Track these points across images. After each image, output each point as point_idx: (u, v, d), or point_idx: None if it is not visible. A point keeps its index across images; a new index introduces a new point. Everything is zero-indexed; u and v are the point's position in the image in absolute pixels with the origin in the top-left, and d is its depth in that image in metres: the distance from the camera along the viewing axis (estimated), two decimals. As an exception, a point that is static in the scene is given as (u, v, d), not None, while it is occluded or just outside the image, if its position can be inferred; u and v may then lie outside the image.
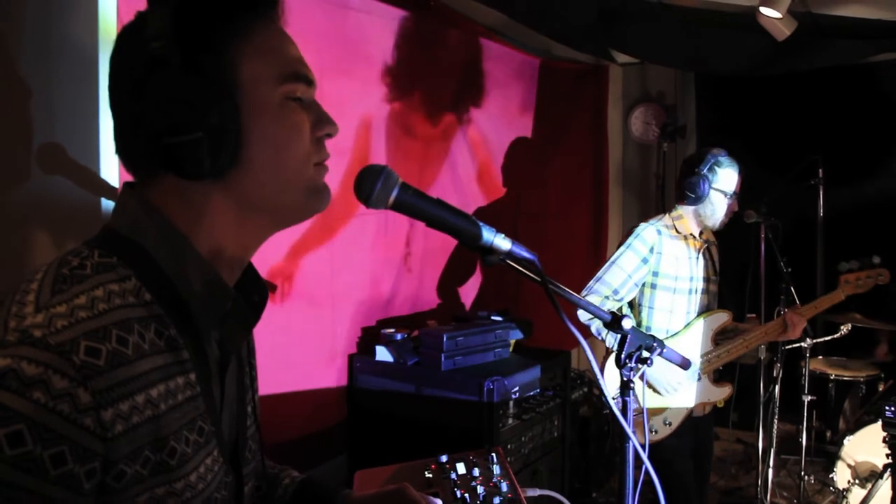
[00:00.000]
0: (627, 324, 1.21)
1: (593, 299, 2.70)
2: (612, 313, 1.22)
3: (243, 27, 0.86)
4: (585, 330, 2.74)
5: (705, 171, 2.80)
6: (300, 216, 0.94)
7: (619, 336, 1.22)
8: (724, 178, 2.82)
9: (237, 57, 0.85)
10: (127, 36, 0.86)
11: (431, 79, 3.73)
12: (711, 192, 2.81)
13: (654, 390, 2.79)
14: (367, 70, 3.27)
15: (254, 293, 0.98)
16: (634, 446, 1.23)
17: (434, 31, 3.72)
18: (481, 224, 1.00)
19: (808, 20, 3.92)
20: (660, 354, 1.26)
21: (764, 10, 3.46)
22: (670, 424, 2.82)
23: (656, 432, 2.81)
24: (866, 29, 4.05)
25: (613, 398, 2.66)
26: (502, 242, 1.01)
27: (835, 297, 2.95)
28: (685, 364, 1.37)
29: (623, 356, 1.23)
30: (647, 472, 3.06)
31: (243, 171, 0.86)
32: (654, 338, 1.25)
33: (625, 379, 1.24)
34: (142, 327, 0.79)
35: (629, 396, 1.25)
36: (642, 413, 2.77)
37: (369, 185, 0.97)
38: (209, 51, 0.83)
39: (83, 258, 0.81)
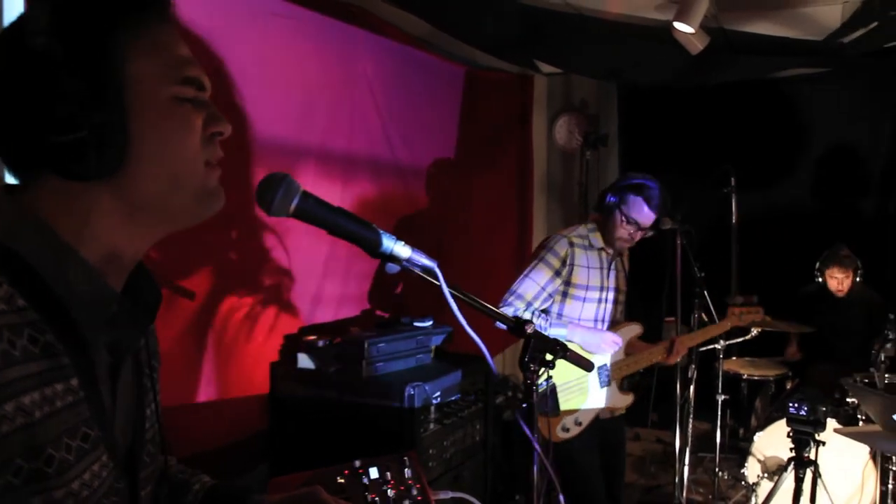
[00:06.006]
0: (530, 328, 1.25)
1: (507, 311, 2.78)
2: (516, 318, 1.26)
3: (130, 24, 0.85)
4: (502, 334, 2.79)
5: (622, 185, 2.89)
6: (191, 219, 0.93)
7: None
8: (634, 207, 2.85)
9: (124, 54, 0.84)
10: (9, 33, 0.84)
11: (355, 89, 3.73)
12: (617, 213, 2.87)
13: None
14: (286, 78, 3.24)
15: (146, 295, 0.96)
16: (538, 449, 1.26)
17: (357, 38, 3.72)
18: (381, 232, 1.03)
19: (720, 36, 4.11)
20: (562, 357, 1.31)
21: (678, 24, 3.60)
22: (580, 424, 2.93)
23: (568, 431, 2.91)
24: (774, 46, 4.27)
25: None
26: (402, 249, 1.03)
27: (722, 327, 3.37)
28: (588, 366, 1.43)
29: (526, 359, 1.27)
30: (558, 471, 3.10)
31: (131, 171, 0.85)
32: (556, 341, 1.29)
33: (528, 382, 1.28)
34: (12, 334, 0.77)
35: (534, 399, 1.29)
36: (558, 412, 2.86)
37: (270, 193, 0.98)
38: (94, 48, 0.82)
39: None
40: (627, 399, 3.11)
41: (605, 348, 2.93)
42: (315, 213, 1.00)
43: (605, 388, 2.99)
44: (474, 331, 1.17)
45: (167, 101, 0.87)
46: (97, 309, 0.86)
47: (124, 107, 0.83)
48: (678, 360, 3.13)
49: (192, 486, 1.20)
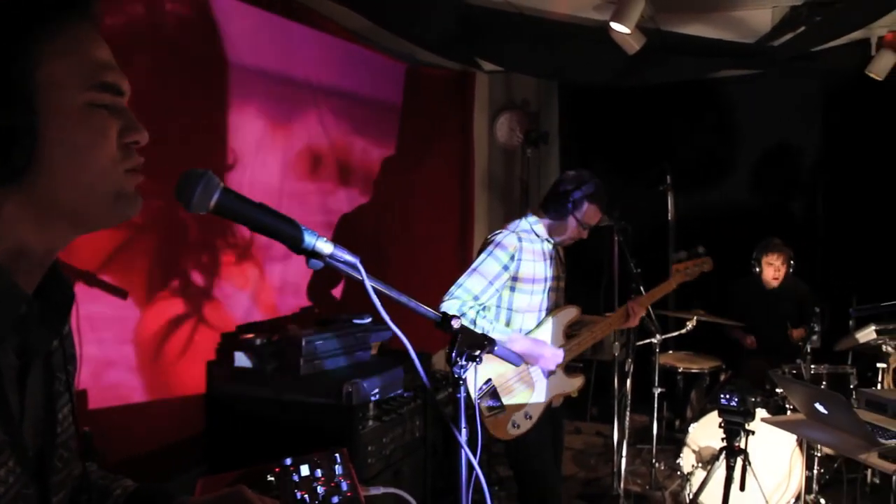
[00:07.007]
0: (456, 323, 1.26)
1: (453, 304, 2.77)
2: (443, 314, 1.26)
3: (43, 25, 0.83)
4: (430, 325, 2.78)
5: (579, 196, 2.92)
6: (105, 223, 0.92)
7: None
8: (590, 213, 2.94)
9: (35, 57, 0.82)
10: None
11: (294, 84, 3.69)
12: (571, 218, 2.93)
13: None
14: (221, 75, 3.19)
15: (58, 296, 0.94)
16: (464, 445, 1.27)
17: (297, 34, 3.68)
18: (304, 228, 1.02)
19: (656, 37, 4.19)
20: (490, 352, 1.32)
21: (615, 25, 3.67)
22: (531, 418, 2.94)
23: (518, 427, 2.92)
24: (708, 48, 4.38)
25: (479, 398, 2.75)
26: (324, 246, 1.03)
27: (668, 286, 3.26)
28: (517, 361, 1.45)
29: (454, 355, 1.28)
30: (513, 466, 3.06)
31: (41, 176, 0.83)
32: (484, 336, 1.31)
33: (456, 376, 1.29)
34: None
35: (461, 394, 1.31)
36: (503, 410, 2.88)
37: (189, 189, 0.96)
38: (1, 50, 0.80)
39: None
40: (577, 381, 3.10)
41: (546, 364, 2.92)
42: (235, 208, 0.99)
43: (551, 377, 3.01)
44: (413, 326, 1.17)
45: (81, 107, 0.85)
46: (3, 309, 0.84)
47: (34, 111, 0.81)
48: (637, 322, 3.16)
49: (112, 491, 1.18)
